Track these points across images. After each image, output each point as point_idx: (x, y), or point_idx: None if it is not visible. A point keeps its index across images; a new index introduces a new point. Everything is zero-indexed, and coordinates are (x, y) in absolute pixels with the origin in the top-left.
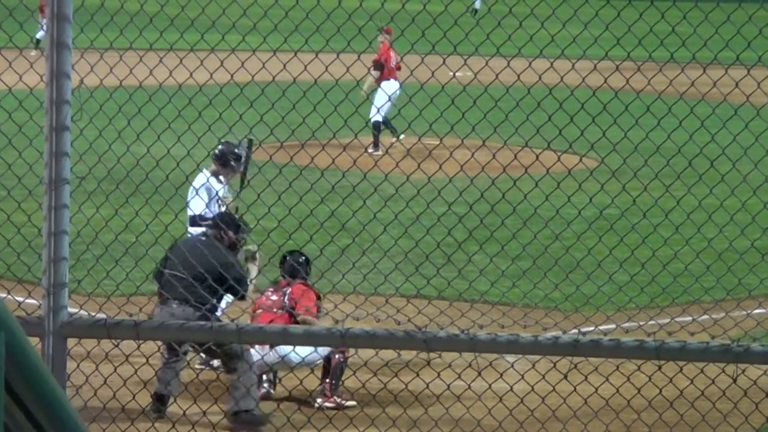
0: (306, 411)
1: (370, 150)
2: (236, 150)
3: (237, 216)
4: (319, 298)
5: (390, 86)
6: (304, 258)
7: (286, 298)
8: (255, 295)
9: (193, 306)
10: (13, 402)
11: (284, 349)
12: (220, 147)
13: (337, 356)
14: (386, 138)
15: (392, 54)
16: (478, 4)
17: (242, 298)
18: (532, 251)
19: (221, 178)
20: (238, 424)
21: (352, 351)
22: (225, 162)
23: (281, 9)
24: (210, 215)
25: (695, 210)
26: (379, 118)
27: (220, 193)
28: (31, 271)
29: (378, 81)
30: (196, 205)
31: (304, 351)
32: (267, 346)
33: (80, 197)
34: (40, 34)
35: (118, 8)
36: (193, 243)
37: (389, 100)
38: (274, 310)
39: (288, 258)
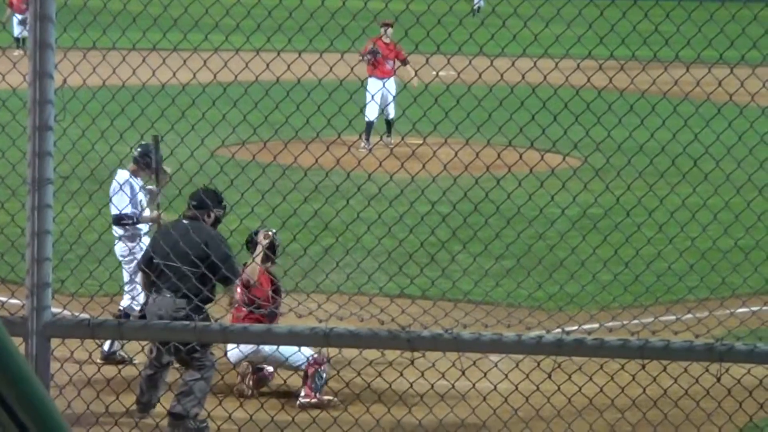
0: (290, 411)
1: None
2: (152, 152)
3: (210, 189)
4: (277, 290)
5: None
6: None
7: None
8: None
9: (185, 297)
10: None
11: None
12: (139, 149)
13: (311, 368)
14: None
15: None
16: (482, 2)
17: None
18: (516, 250)
19: (139, 179)
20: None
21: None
22: (147, 163)
23: (264, 8)
24: (131, 213)
25: (679, 209)
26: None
27: (140, 196)
28: (15, 271)
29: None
30: (121, 202)
31: (287, 351)
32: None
33: (63, 197)
34: (17, 32)
35: (101, 8)
36: (184, 228)
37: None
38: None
39: (254, 237)
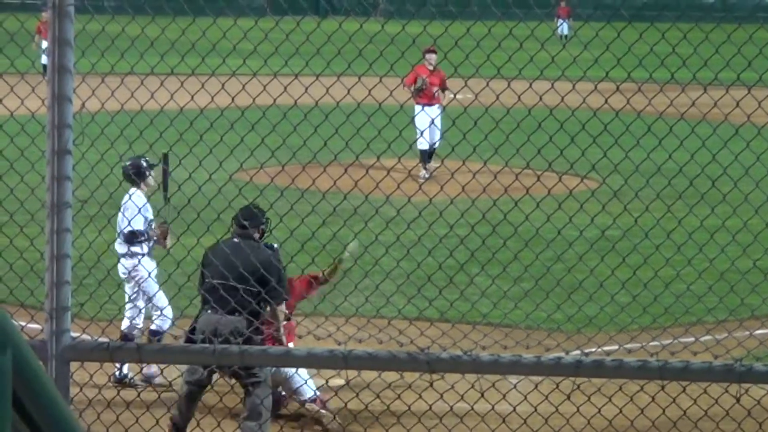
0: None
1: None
2: (145, 159)
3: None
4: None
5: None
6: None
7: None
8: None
9: (237, 312)
10: (20, 419)
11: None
12: (130, 163)
13: (311, 406)
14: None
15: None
16: (566, 30)
17: (281, 302)
18: (534, 272)
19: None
20: None
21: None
22: (144, 175)
23: (282, 32)
24: (144, 230)
25: (697, 230)
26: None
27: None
28: (34, 295)
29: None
30: (137, 222)
31: (298, 380)
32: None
33: (82, 221)
34: (44, 59)
35: (119, 32)
36: (240, 248)
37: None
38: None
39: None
